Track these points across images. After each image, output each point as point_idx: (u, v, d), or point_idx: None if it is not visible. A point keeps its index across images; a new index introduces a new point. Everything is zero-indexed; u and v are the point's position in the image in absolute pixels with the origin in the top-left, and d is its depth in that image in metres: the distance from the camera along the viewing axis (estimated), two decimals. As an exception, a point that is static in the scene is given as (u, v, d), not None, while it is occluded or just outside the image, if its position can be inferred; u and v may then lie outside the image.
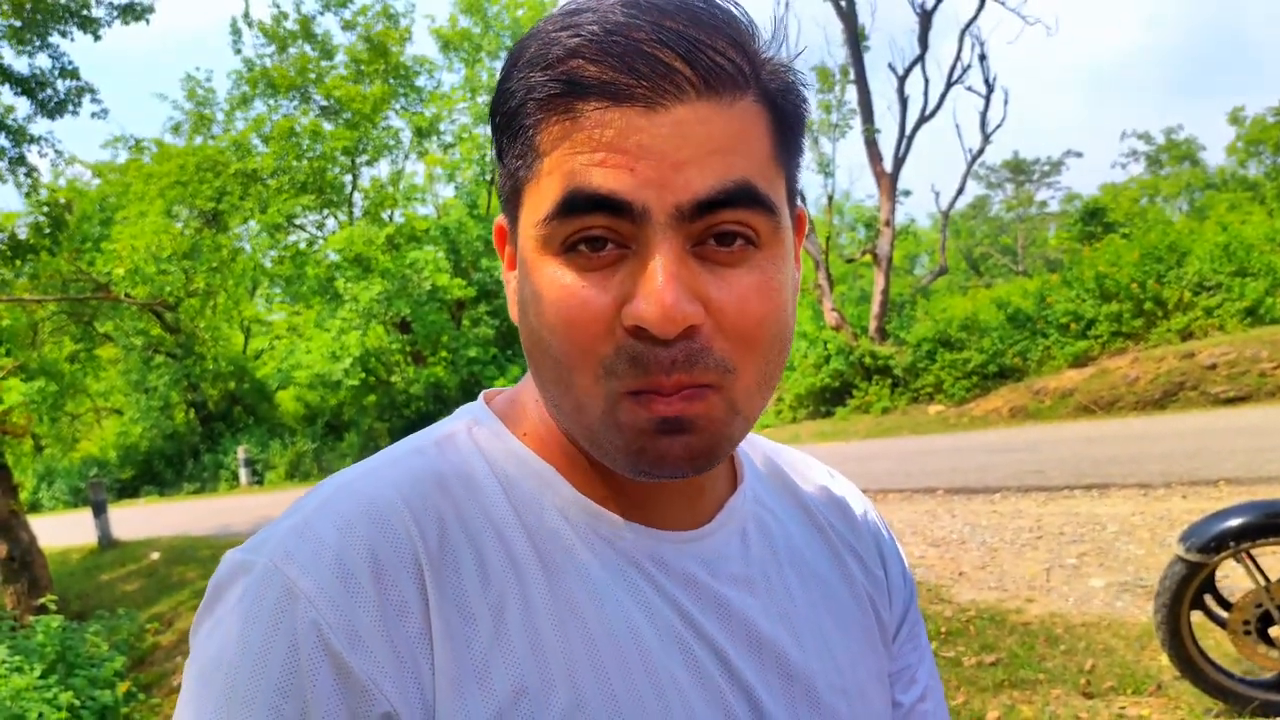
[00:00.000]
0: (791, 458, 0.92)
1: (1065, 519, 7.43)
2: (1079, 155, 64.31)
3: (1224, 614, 3.61)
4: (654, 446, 0.63)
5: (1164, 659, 4.05)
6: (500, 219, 0.73)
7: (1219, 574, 3.70)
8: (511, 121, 0.64)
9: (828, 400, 18.21)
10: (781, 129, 0.66)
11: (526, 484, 0.71)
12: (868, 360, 17.65)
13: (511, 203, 0.67)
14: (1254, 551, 3.55)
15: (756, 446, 0.89)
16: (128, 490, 25.66)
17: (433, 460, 0.70)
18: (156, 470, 25.92)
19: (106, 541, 13.58)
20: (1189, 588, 3.59)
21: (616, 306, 0.61)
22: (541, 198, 0.62)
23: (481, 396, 0.80)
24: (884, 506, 8.88)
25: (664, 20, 0.60)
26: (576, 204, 0.60)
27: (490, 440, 0.73)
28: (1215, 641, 3.92)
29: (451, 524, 0.66)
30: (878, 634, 0.85)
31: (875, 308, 18.63)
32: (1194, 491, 7.56)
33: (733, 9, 0.64)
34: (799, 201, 0.72)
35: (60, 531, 14.81)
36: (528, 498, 0.70)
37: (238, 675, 0.59)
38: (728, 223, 0.61)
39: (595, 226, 0.61)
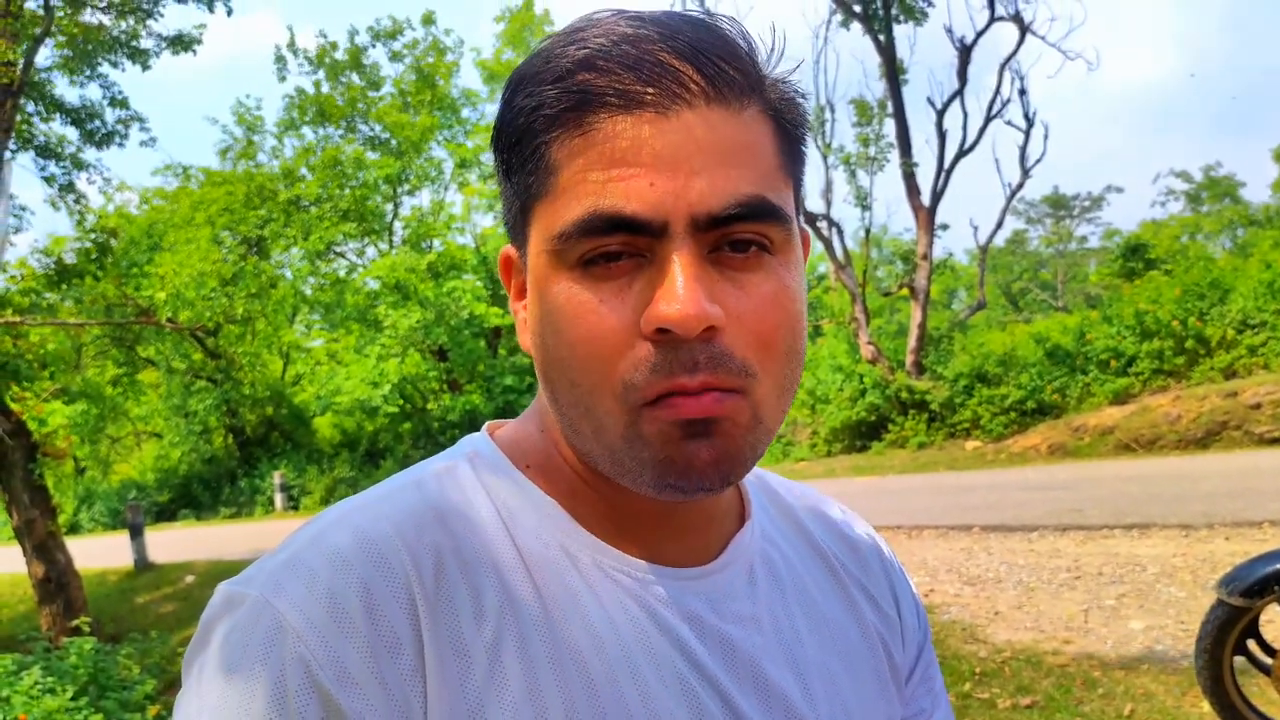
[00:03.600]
0: (801, 493, 0.90)
1: (1104, 559, 7.30)
2: (1120, 190, 63.98)
3: (1268, 660, 3.52)
4: (680, 454, 0.62)
5: (1205, 705, 3.95)
6: (506, 249, 0.73)
7: (1263, 618, 3.61)
8: (521, 139, 0.64)
9: (863, 434, 18.08)
10: (786, 140, 0.66)
11: (529, 519, 0.70)
12: (904, 395, 17.52)
13: (520, 224, 0.67)
14: (1299, 597, 3.46)
15: (765, 482, 0.88)
16: (165, 513, 25.89)
17: (432, 494, 0.69)
18: (194, 494, 26.15)
19: (143, 564, 13.70)
20: (1231, 632, 3.50)
21: (635, 317, 0.61)
22: (556, 215, 0.62)
23: (485, 428, 0.79)
24: (919, 543, 8.78)
25: (669, 32, 0.62)
26: (597, 225, 0.60)
27: (492, 473, 0.72)
28: (1259, 688, 3.83)
29: (449, 560, 0.65)
30: (889, 677, 0.82)
31: (912, 341, 18.50)
32: (1237, 533, 7.41)
33: (733, 25, 0.65)
34: (802, 220, 0.72)
35: (98, 553, 14.95)
36: (530, 533, 0.69)
37: (224, 710, 0.58)
38: (742, 233, 0.62)
39: (613, 244, 0.61)
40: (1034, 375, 16.23)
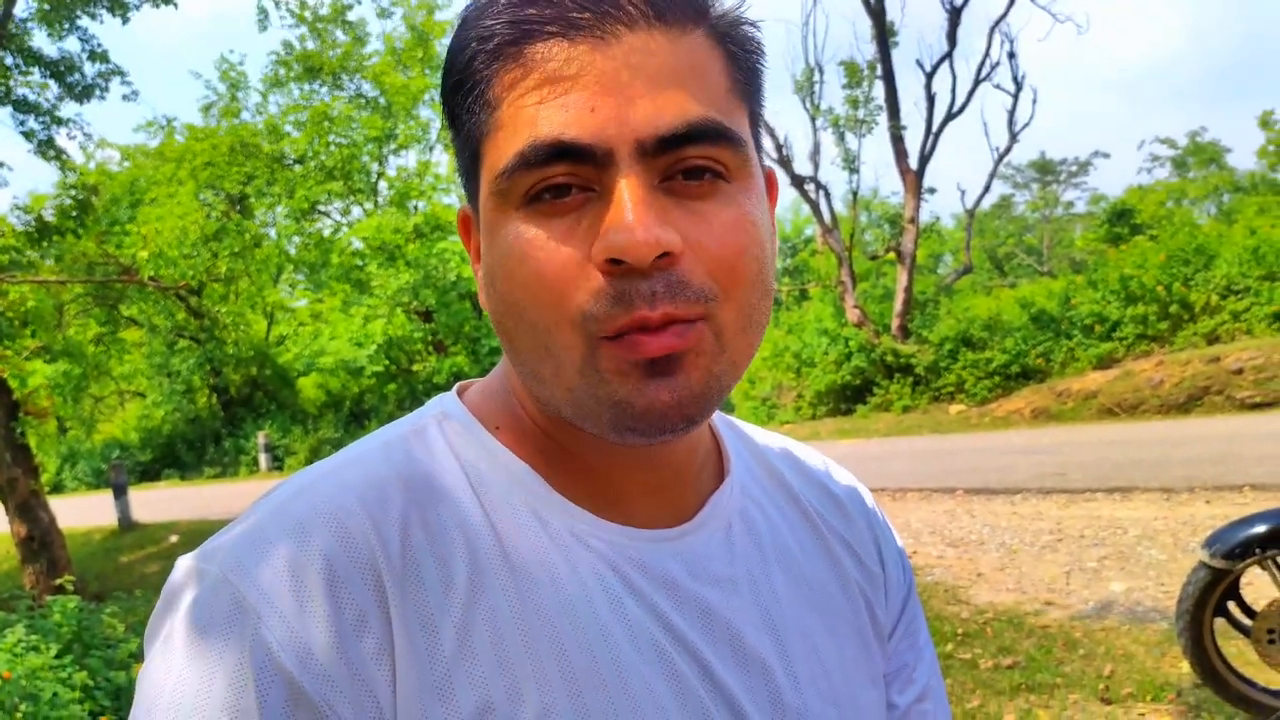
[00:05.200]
0: (782, 445, 0.88)
1: (1086, 522, 7.36)
2: (1106, 156, 63.90)
3: (1247, 622, 3.55)
4: (641, 395, 0.59)
5: (1184, 666, 4.00)
6: (463, 208, 0.70)
7: (1243, 581, 3.64)
8: (464, 80, 0.61)
9: (848, 398, 18.14)
10: (738, 68, 0.63)
11: (498, 483, 0.67)
12: (889, 358, 17.57)
13: (471, 173, 0.65)
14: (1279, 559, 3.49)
15: (745, 435, 0.85)
16: (149, 473, 25.84)
17: (399, 459, 0.66)
18: (178, 453, 26.09)
19: (126, 524, 13.69)
20: (1212, 594, 3.53)
21: (588, 250, 0.58)
22: (499, 151, 0.60)
23: (455, 388, 0.76)
24: (903, 506, 8.83)
25: None
26: (538, 154, 0.57)
27: (461, 436, 0.70)
28: (1238, 649, 3.86)
29: (415, 529, 0.63)
30: (872, 634, 0.80)
31: (898, 305, 18.52)
32: (1218, 497, 7.48)
33: None
34: (765, 157, 0.68)
35: (81, 513, 14.94)
36: (499, 498, 0.67)
37: (183, 692, 0.56)
38: (693, 158, 0.59)
39: (557, 175, 0.58)
40: (1019, 340, 16.30)
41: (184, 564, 0.61)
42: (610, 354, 0.59)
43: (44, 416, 11.47)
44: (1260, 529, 3.46)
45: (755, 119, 0.66)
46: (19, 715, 4.06)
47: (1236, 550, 3.46)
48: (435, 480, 0.66)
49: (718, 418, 0.82)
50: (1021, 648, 4.84)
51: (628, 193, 0.57)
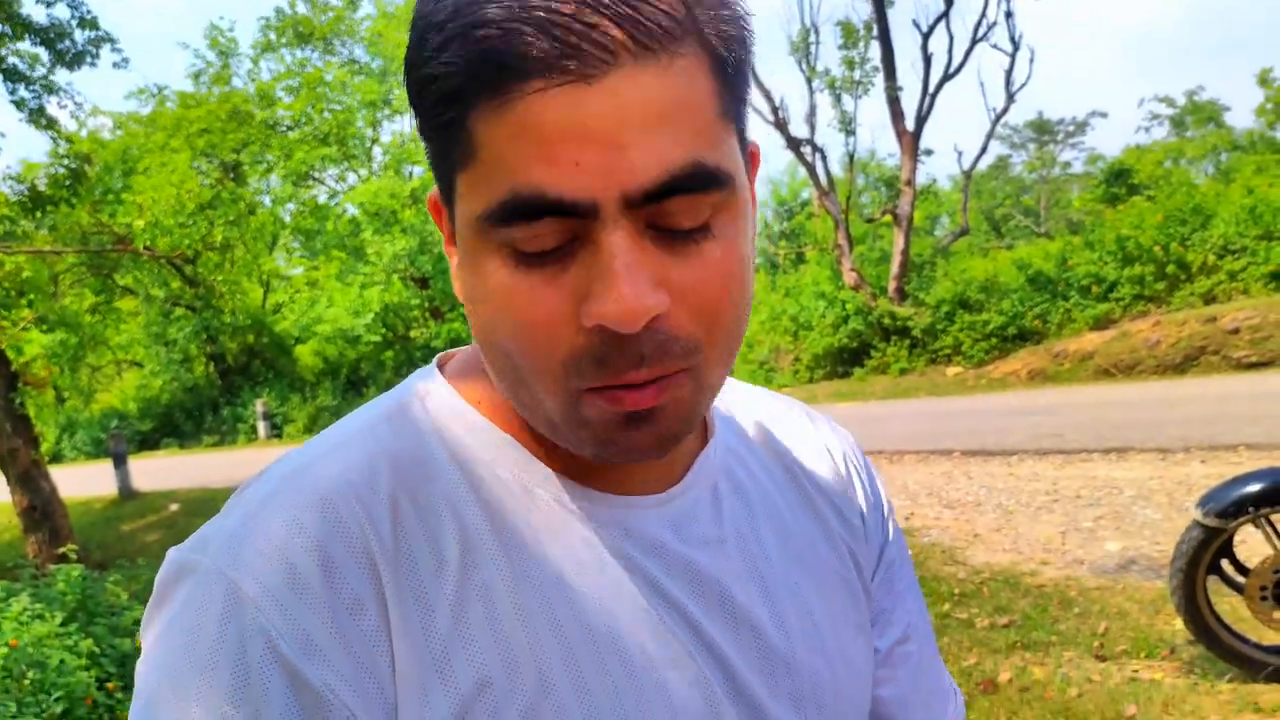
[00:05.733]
0: (767, 403, 0.87)
1: (1082, 482, 7.41)
2: (1104, 116, 63.52)
3: (1241, 579, 3.60)
4: (622, 439, 0.60)
5: (1178, 623, 4.04)
6: (433, 193, 0.66)
7: (1237, 539, 3.67)
8: (436, 104, 0.57)
9: (845, 361, 18.17)
10: (726, 73, 0.59)
11: (484, 457, 0.67)
12: (886, 321, 17.58)
13: (445, 180, 0.61)
14: (1273, 518, 3.53)
15: (729, 392, 0.85)
16: (148, 442, 25.89)
17: (385, 440, 0.66)
18: (176, 422, 26.12)
19: (127, 492, 13.74)
20: (1206, 553, 3.57)
21: (573, 303, 0.56)
22: (478, 192, 0.57)
23: (436, 360, 0.76)
24: (900, 468, 8.87)
25: None
26: (520, 209, 0.54)
27: (444, 410, 0.69)
28: (1231, 607, 3.91)
29: (405, 510, 0.63)
30: (859, 585, 0.81)
31: (895, 268, 18.51)
32: (1213, 456, 7.53)
33: None
34: (750, 137, 0.65)
35: (81, 482, 14.99)
36: (485, 472, 0.66)
37: (186, 689, 0.56)
38: (680, 210, 0.56)
39: (541, 230, 0.55)
40: (1015, 301, 16.31)
41: (175, 556, 0.61)
42: (592, 403, 0.59)
43: (42, 386, 11.48)
44: (1254, 488, 3.49)
45: (743, 113, 0.62)
46: (26, 682, 4.11)
47: (1230, 509, 3.50)
48: (421, 458, 0.66)
49: None
50: (1017, 607, 4.89)
51: (616, 251, 0.54)
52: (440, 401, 0.70)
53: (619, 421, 0.59)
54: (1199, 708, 3.47)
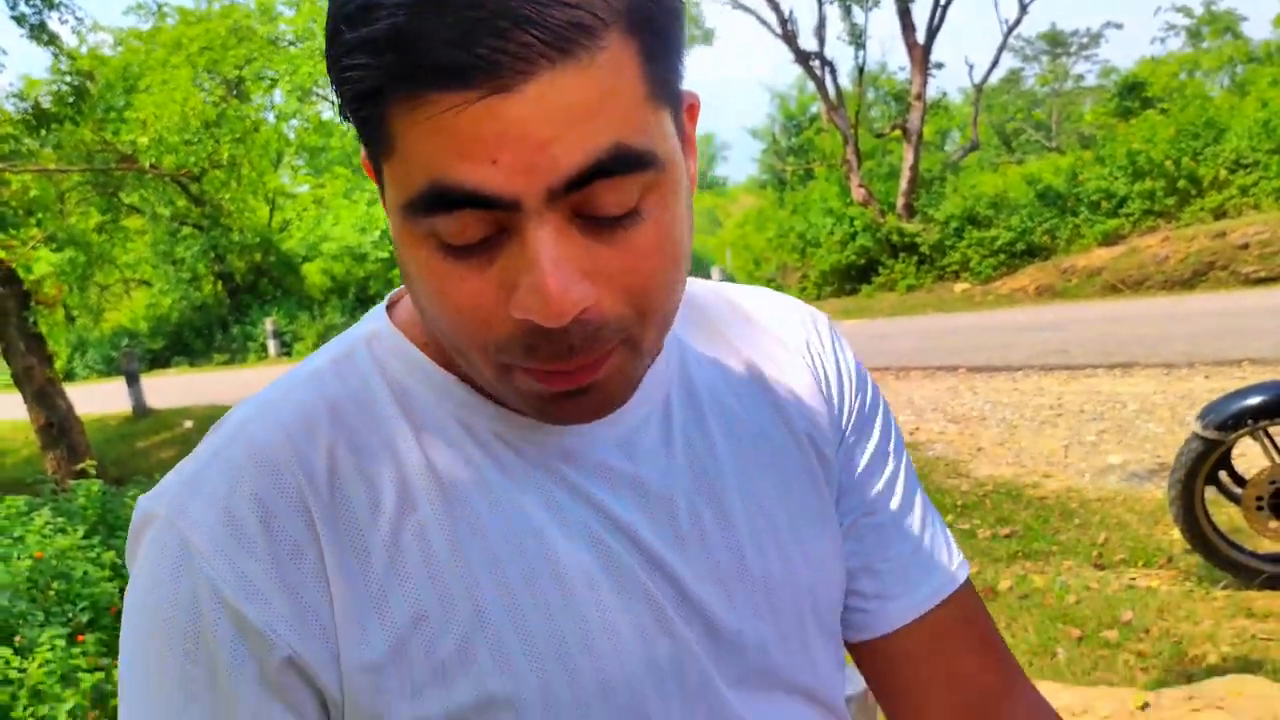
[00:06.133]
0: (725, 297, 0.85)
1: (1087, 397, 7.47)
2: (1118, 27, 62.47)
3: (1238, 490, 3.66)
4: (557, 411, 0.61)
5: (1176, 533, 4.12)
6: (364, 157, 0.62)
7: (1235, 451, 3.74)
8: (353, 94, 0.54)
9: (852, 278, 18.14)
10: (654, 51, 0.55)
11: (425, 398, 0.69)
12: (894, 237, 17.50)
13: (371, 154, 0.59)
14: (1271, 430, 3.58)
15: (690, 289, 0.82)
16: (159, 361, 26.03)
17: (329, 387, 0.69)
18: (186, 341, 26.24)
19: (141, 410, 13.88)
20: (1205, 464, 3.63)
21: (502, 294, 0.55)
22: (400, 182, 0.55)
23: (386, 300, 0.76)
24: (906, 384, 8.94)
25: None
26: (439, 201, 0.53)
27: (388, 354, 0.71)
28: (1228, 517, 3.99)
29: (343, 458, 0.65)
30: (824, 480, 0.79)
31: (904, 184, 18.37)
32: (1217, 371, 7.57)
33: None
34: (683, 89, 0.62)
35: (95, 400, 15.12)
36: (426, 413, 0.68)
37: (151, 638, 0.62)
38: (607, 195, 0.54)
39: (464, 223, 0.54)
40: (1024, 217, 16.21)
41: (141, 504, 0.66)
42: (525, 379, 0.59)
43: (53, 305, 11.54)
44: (1253, 401, 3.54)
45: (674, 78, 0.59)
46: (52, 593, 4.22)
47: (1229, 422, 3.55)
48: (362, 404, 0.68)
49: None
50: (1019, 518, 4.98)
51: (541, 247, 0.53)
52: (386, 344, 0.71)
53: (553, 396, 0.60)
54: (1193, 613, 3.56)
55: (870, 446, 0.83)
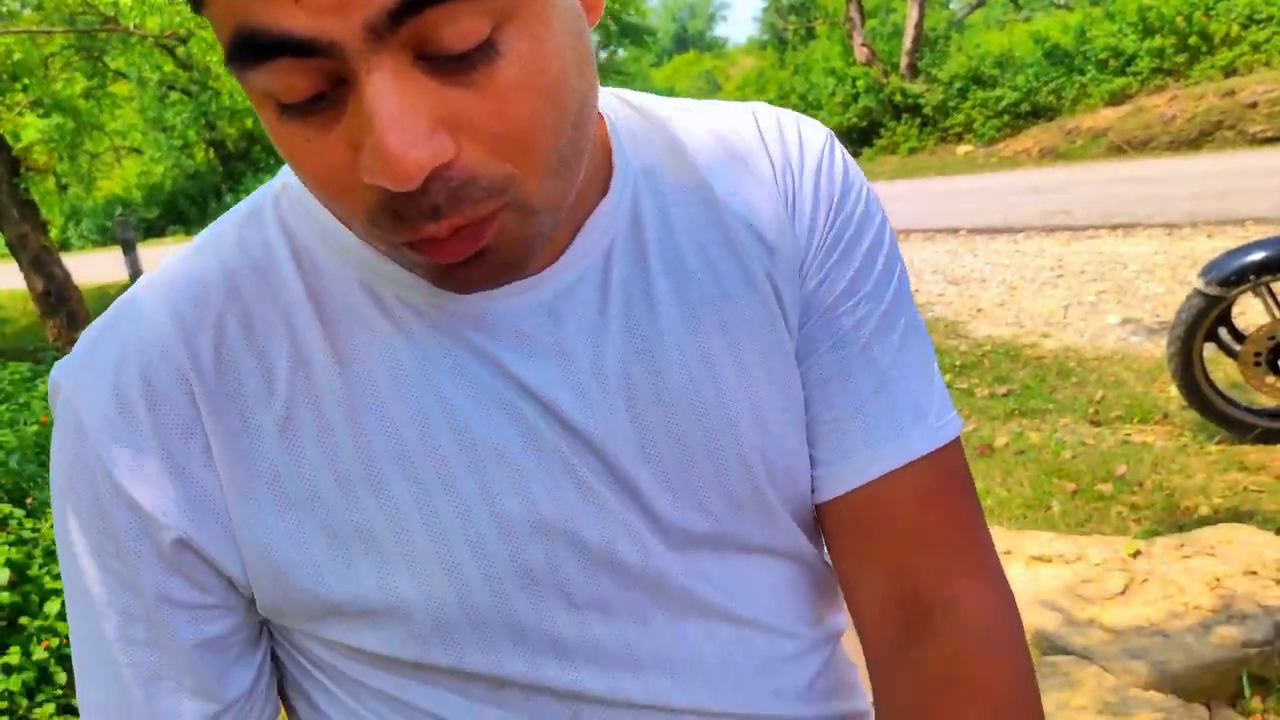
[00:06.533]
0: (706, 118, 0.72)
1: (1088, 258, 7.44)
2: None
3: (1237, 346, 3.67)
4: (451, 281, 0.54)
5: (1172, 390, 4.16)
6: None
7: (1235, 310, 3.74)
8: None
9: (854, 140, 17.88)
10: None
11: (327, 260, 0.62)
12: (897, 98, 17.20)
13: (194, 6, 0.51)
14: (1273, 286, 3.57)
15: (651, 115, 0.71)
16: (154, 229, 25.89)
17: (227, 252, 0.63)
18: (181, 209, 26.06)
19: (138, 278, 13.83)
20: (1205, 320, 3.63)
21: (350, 155, 0.48)
22: (218, 33, 0.48)
23: None
24: (906, 246, 8.89)
25: None
26: (250, 50, 0.45)
27: (295, 211, 0.64)
28: (1225, 374, 4.01)
29: (232, 333, 0.61)
30: (786, 331, 0.68)
31: (907, 43, 17.95)
32: (1220, 231, 7.52)
33: None
34: None
35: (91, 269, 15.06)
36: (327, 277, 0.62)
37: (66, 507, 0.62)
38: (443, 23, 0.45)
39: (293, 80, 0.46)
40: (1030, 76, 15.89)
41: (53, 373, 0.63)
42: (409, 254, 0.53)
43: (43, 172, 11.40)
44: (1257, 256, 3.52)
45: None
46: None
47: (1231, 277, 3.54)
48: (262, 269, 0.62)
49: (614, 101, 0.71)
50: (1017, 377, 5.02)
51: (375, 98, 0.45)
52: (293, 202, 0.64)
53: (443, 266, 0.53)
54: (1186, 467, 3.62)
55: (839, 285, 0.69)
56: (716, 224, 0.67)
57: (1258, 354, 3.60)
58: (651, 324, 0.64)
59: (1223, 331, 3.70)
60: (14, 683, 2.99)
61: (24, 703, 2.88)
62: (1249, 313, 4.35)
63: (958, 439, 0.71)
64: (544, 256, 0.62)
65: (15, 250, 8.93)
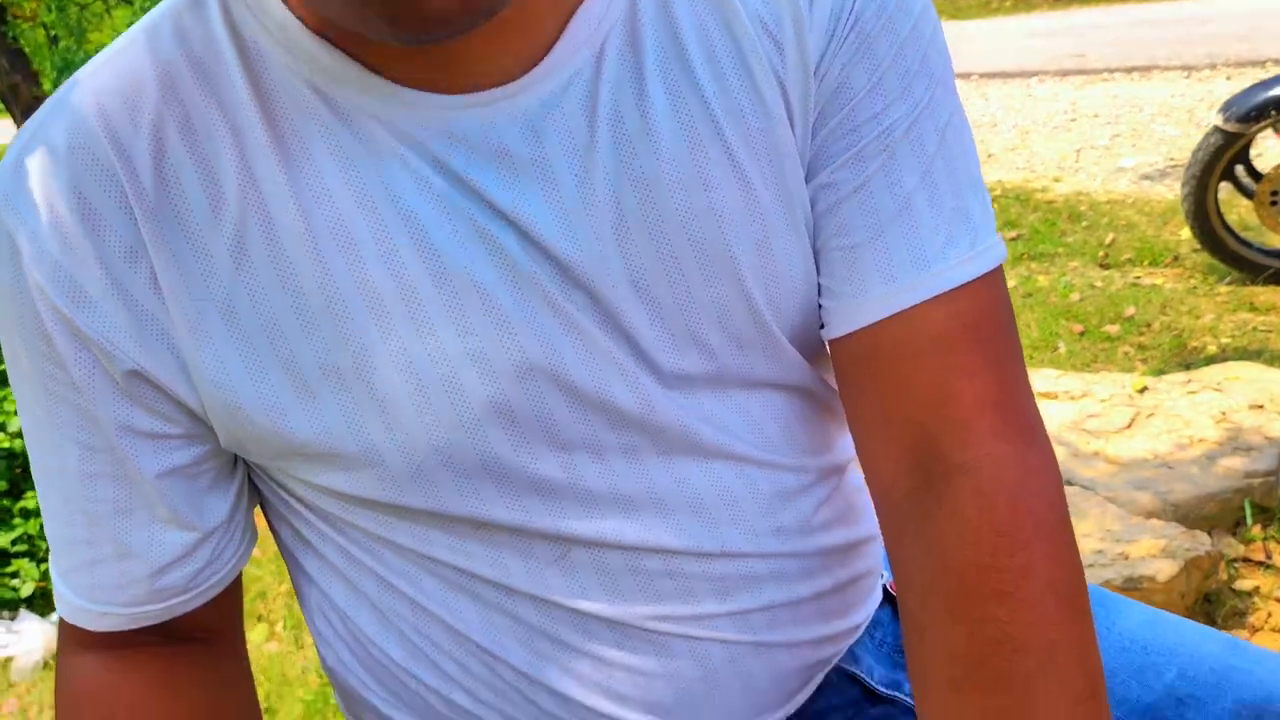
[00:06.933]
0: None
1: (1103, 102, 7.28)
2: None
3: (1253, 185, 3.61)
4: (410, 11, 0.45)
5: (1184, 233, 4.11)
6: None
7: (1253, 151, 3.66)
8: None
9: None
10: None
11: (278, 60, 0.55)
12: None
13: None
14: (1294, 123, 3.50)
15: None
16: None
17: (164, 44, 0.56)
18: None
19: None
20: (1222, 158, 3.56)
21: None
22: None
23: None
24: (916, 91, 8.70)
25: None
26: None
27: (244, 5, 0.55)
28: (1239, 216, 3.96)
29: (171, 140, 0.55)
30: (788, 130, 0.59)
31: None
32: (1239, 73, 7.33)
33: None
34: None
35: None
36: (278, 78, 0.55)
37: (11, 335, 0.58)
38: None
39: None
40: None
41: None
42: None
43: (30, 19, 11.09)
44: (1278, 91, 3.43)
45: None
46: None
47: (1252, 113, 3.45)
48: (204, 65, 0.55)
49: None
50: (1027, 221, 4.96)
51: None
52: None
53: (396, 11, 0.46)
54: (1195, 308, 3.60)
55: (860, 87, 0.59)
56: (725, 23, 0.57)
57: (1274, 193, 3.54)
58: (648, 146, 0.57)
59: (1240, 170, 3.63)
60: (32, 525, 3.06)
61: (43, 545, 2.95)
62: (1266, 155, 4.27)
63: (998, 270, 0.61)
64: (523, 57, 0.55)
65: (7, 101, 8.74)
